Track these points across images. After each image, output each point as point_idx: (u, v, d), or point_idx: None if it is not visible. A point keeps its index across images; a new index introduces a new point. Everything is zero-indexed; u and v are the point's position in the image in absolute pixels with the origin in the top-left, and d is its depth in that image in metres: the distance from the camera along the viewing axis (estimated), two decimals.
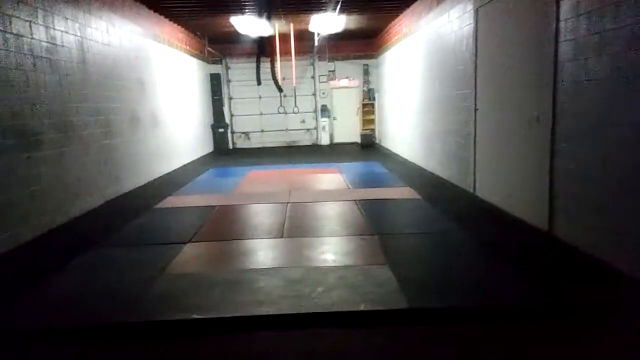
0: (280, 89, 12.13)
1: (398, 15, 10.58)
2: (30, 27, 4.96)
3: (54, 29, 5.41)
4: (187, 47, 11.62)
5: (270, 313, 2.90)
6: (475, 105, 6.07)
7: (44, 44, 5.21)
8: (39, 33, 5.12)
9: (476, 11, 5.90)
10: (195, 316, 2.87)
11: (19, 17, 4.76)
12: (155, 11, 9.13)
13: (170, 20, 10.14)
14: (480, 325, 2.76)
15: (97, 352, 2.63)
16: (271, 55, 11.21)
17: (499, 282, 3.33)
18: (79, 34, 6.02)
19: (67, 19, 5.73)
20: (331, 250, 4.12)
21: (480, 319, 2.85)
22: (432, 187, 7.08)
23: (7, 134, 4.51)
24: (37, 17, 5.08)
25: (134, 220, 5.44)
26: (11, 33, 4.63)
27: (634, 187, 3.24)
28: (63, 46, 5.61)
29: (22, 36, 4.80)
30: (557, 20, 4.10)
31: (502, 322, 2.80)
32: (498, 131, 5.46)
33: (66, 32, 5.70)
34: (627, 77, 3.28)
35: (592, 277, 3.43)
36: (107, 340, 2.74)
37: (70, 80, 5.75)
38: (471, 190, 6.32)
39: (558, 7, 4.09)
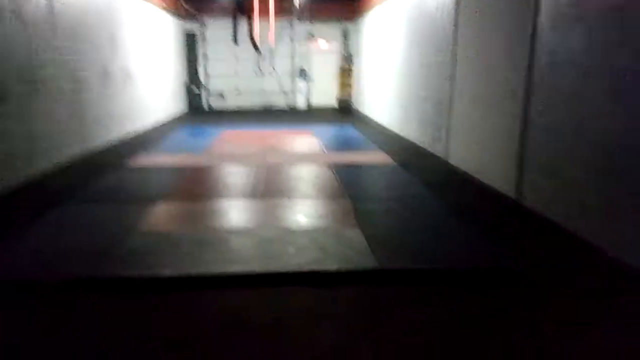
0: (257, 50, 11.85)
1: None
2: None
3: None
4: (162, 3, 11.17)
5: (241, 271, 2.94)
6: (453, 73, 6.08)
7: None
8: None
9: None
10: (167, 273, 2.89)
11: None
12: None
13: None
14: (446, 286, 2.87)
15: (66, 306, 2.62)
16: (249, 14, 10.88)
17: (464, 246, 3.45)
18: None
19: None
20: (304, 212, 4.16)
21: (446, 280, 2.95)
22: (406, 153, 7.15)
23: None
24: None
25: (104, 177, 5.35)
26: None
27: (603, 162, 3.35)
28: None
29: None
30: None
31: (463, 283, 2.91)
32: (473, 100, 5.52)
33: None
34: (603, 49, 3.33)
35: (554, 244, 3.58)
36: (77, 294, 2.74)
37: (37, 32, 5.48)
38: (444, 157, 6.41)
39: None
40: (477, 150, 5.43)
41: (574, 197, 3.64)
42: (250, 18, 10.90)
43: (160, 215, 4.07)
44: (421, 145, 7.53)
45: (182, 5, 12.46)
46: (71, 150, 6.28)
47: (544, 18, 4.02)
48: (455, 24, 5.96)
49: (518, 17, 4.43)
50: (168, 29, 11.93)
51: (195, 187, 5.10)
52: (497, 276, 3.02)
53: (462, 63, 5.83)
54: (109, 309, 2.61)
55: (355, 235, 3.54)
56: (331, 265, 3.03)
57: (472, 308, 2.64)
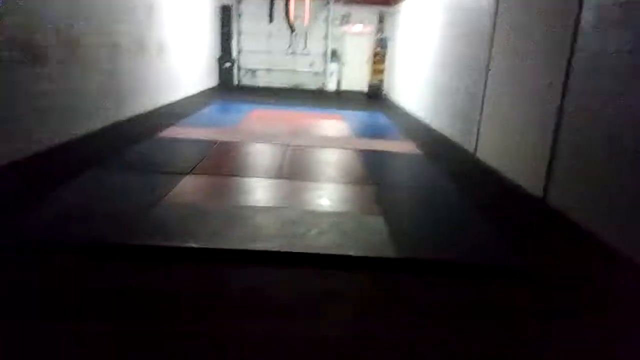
0: (292, 29, 11.79)
1: None
2: None
3: None
4: None
5: (264, 249, 3.01)
6: (489, 65, 5.96)
7: None
8: None
9: None
10: (192, 244, 2.97)
11: None
12: None
13: None
14: (460, 280, 2.88)
15: (94, 269, 2.74)
16: None
17: (485, 241, 3.43)
18: None
19: None
20: (328, 196, 4.19)
21: (461, 274, 2.96)
22: (434, 143, 7.08)
23: (13, 47, 4.44)
24: None
25: (136, 146, 5.48)
26: None
27: (637, 167, 3.27)
28: None
29: None
30: None
31: (480, 278, 2.91)
32: (507, 94, 5.41)
33: None
34: None
35: (577, 245, 3.53)
36: (105, 259, 2.85)
37: (79, 0, 5.59)
38: (472, 151, 6.33)
39: None
40: (506, 147, 5.34)
41: (602, 200, 3.57)
42: None
43: (188, 187, 4.16)
44: (450, 137, 7.44)
45: None
46: (105, 117, 6.44)
47: (587, 16, 3.90)
48: (495, 16, 5.81)
49: (560, 14, 4.29)
50: (204, 3, 11.95)
51: (223, 162, 5.18)
52: (514, 273, 3.01)
53: (499, 56, 5.70)
54: (134, 276, 2.71)
55: (377, 222, 3.56)
56: (352, 250, 3.06)
57: (485, 302, 2.65)
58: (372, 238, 3.28)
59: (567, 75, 4.14)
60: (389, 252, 3.08)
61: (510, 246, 3.37)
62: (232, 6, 13.91)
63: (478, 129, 6.20)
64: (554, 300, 2.73)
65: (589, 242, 3.56)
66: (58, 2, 5.15)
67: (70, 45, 5.45)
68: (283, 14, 11.56)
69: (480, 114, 6.15)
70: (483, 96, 6.08)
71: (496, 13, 5.80)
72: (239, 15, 14.23)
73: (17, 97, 4.54)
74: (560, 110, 4.23)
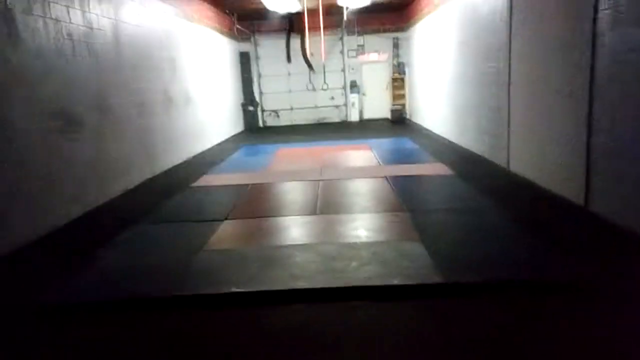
0: (310, 67, 12.06)
1: None
2: (68, 11, 5.10)
3: (90, 12, 5.55)
4: (217, 25, 11.66)
5: (306, 287, 3.00)
6: (509, 78, 5.92)
7: (82, 28, 5.35)
8: (76, 17, 5.26)
9: None
10: (235, 289, 3.00)
11: (56, 2, 4.89)
12: None
13: None
14: (511, 299, 2.78)
15: (144, 323, 2.79)
16: (301, 32, 11.11)
17: (529, 257, 3.32)
18: (113, 16, 6.14)
19: (101, 2, 5.84)
20: (364, 227, 4.18)
21: (511, 292, 2.86)
22: (464, 162, 7.00)
23: (51, 117, 4.71)
24: (74, 2, 5.21)
25: (171, 198, 5.63)
26: (51, 18, 4.78)
27: None
28: (99, 30, 5.75)
29: (60, 21, 4.95)
30: None
31: (533, 296, 2.81)
32: (533, 105, 5.33)
33: (101, 16, 5.82)
34: None
35: (628, 254, 3.38)
36: (153, 312, 2.90)
37: (107, 63, 5.91)
38: (505, 165, 6.22)
39: None
40: (540, 157, 5.23)
41: None
42: (302, 35, 11.12)
43: (225, 233, 4.23)
44: (480, 153, 7.35)
45: (235, 26, 12.94)
46: (139, 173, 6.67)
47: (603, 18, 3.85)
48: (510, 28, 5.81)
49: (576, 19, 4.26)
50: (224, 51, 12.42)
51: (256, 204, 5.25)
52: (566, 288, 2.89)
53: (519, 68, 5.66)
54: (183, 326, 2.74)
55: (416, 248, 3.52)
56: (395, 280, 3.02)
57: (541, 320, 2.54)
58: (413, 265, 3.23)
59: (591, 79, 4.07)
60: (433, 277, 3.03)
61: (558, 259, 3.25)
62: (250, 51, 14.39)
63: (508, 142, 6.11)
64: (614, 314, 2.60)
65: (636, 245, 3.41)
66: (88, 70, 5.45)
67: (102, 109, 5.73)
68: (301, 53, 11.84)
69: (508, 127, 6.07)
70: (509, 109, 6.02)
71: (511, 25, 5.80)
72: (258, 60, 14.69)
73: (55, 164, 4.77)
74: (590, 113, 4.13)
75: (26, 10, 4.42)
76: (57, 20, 4.88)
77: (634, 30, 3.51)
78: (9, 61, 4.17)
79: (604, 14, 3.86)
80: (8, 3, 4.17)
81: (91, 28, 5.56)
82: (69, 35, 5.09)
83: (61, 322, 2.84)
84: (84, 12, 5.41)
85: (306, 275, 3.18)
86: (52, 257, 3.92)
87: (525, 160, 5.66)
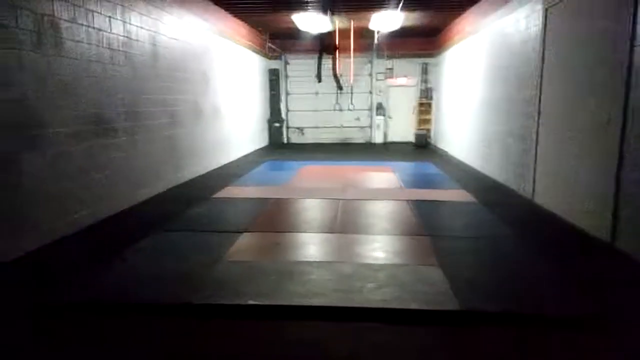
0: (340, 87, 12.20)
1: (461, 14, 10.37)
2: (110, 22, 5.32)
3: (130, 24, 5.77)
4: (249, 43, 11.94)
5: (322, 304, 3.00)
6: (539, 108, 5.88)
7: (121, 38, 5.57)
8: (117, 28, 5.48)
9: (545, 11, 5.71)
10: (251, 302, 3.02)
11: (100, 13, 5.11)
12: (221, 7, 9.47)
13: (234, 16, 10.48)
14: (528, 332, 2.73)
15: (161, 327, 2.83)
16: (331, 52, 11.28)
17: (551, 291, 3.26)
18: (151, 28, 6.37)
19: (141, 14, 6.08)
20: (382, 248, 4.16)
21: (529, 325, 2.81)
22: (488, 190, 6.93)
23: (88, 122, 4.88)
24: (116, 12, 5.44)
25: (195, 207, 5.72)
26: (93, 27, 4.99)
27: None
28: (137, 40, 5.97)
29: (102, 31, 5.16)
30: (634, 22, 3.91)
31: (550, 330, 2.75)
32: (562, 136, 5.28)
33: (140, 27, 6.05)
34: None
35: None
36: (171, 317, 2.94)
37: (142, 73, 6.11)
38: (529, 196, 6.14)
39: (636, 9, 3.90)
40: (566, 189, 5.14)
41: None
42: (333, 55, 11.28)
43: (245, 245, 4.27)
44: (504, 183, 7.27)
45: (267, 44, 13.21)
46: (166, 181, 6.81)
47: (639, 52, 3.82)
48: (542, 59, 5.79)
49: (612, 48, 4.24)
50: (254, 67, 12.68)
51: (277, 219, 5.29)
52: (582, 324, 2.81)
53: (549, 98, 5.63)
54: (199, 334, 2.77)
55: (435, 274, 3.49)
56: (411, 303, 3.00)
57: (553, 355, 2.48)
58: (430, 290, 3.20)
59: (624, 111, 4.02)
60: (449, 304, 2.99)
61: (579, 294, 3.18)
62: (279, 69, 14.66)
63: (534, 174, 6.04)
64: (628, 349, 2.53)
65: None
66: (124, 79, 5.65)
67: (135, 116, 5.91)
68: (331, 72, 11.98)
69: (535, 157, 6.00)
70: (536, 139, 5.96)
71: (543, 55, 5.79)
72: (287, 77, 14.93)
73: (90, 167, 4.93)
74: (621, 147, 4.07)
75: (71, 19, 4.63)
76: (99, 30, 5.09)
77: None
78: (54, 67, 4.36)
79: None
80: (55, 12, 4.39)
81: (130, 38, 5.77)
82: (109, 44, 5.30)
83: (74, 320, 2.90)
84: (124, 23, 5.63)
85: (322, 292, 3.18)
86: (73, 257, 4.02)
87: (550, 192, 5.57)
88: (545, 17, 5.71)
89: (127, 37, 5.70)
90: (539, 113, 5.88)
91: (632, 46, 3.94)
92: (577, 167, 4.91)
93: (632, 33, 3.93)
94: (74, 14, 4.67)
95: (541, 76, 5.83)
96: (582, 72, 4.82)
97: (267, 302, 3.03)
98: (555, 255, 4.00)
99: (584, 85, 4.79)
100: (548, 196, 5.63)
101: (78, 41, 4.73)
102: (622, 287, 3.40)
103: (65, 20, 4.53)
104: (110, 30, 5.33)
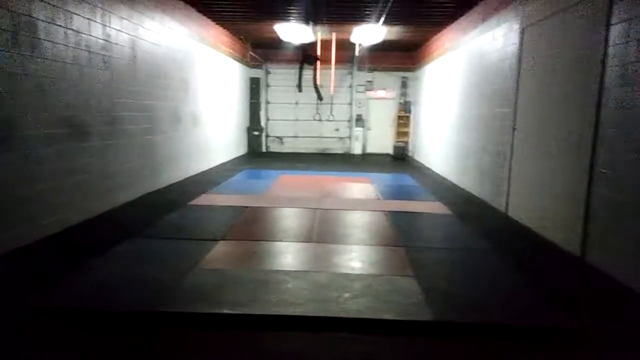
0: (320, 97, 12.27)
1: (441, 30, 10.59)
2: (89, 24, 5.25)
3: (110, 27, 5.70)
4: (230, 51, 11.92)
5: (297, 314, 2.98)
6: (514, 124, 6.03)
7: (100, 41, 5.49)
8: (97, 31, 5.41)
9: (522, 31, 5.88)
10: (226, 311, 2.98)
11: (79, 15, 5.04)
12: (203, 14, 9.44)
13: (216, 23, 10.46)
14: (502, 343, 2.77)
15: (128, 336, 2.76)
16: (313, 63, 11.36)
17: (523, 303, 3.32)
18: (132, 33, 6.31)
19: (122, 18, 6.01)
20: (359, 258, 4.18)
21: (502, 336, 2.85)
22: (463, 203, 7.03)
23: (61, 124, 4.78)
24: (96, 15, 5.37)
25: (170, 214, 5.64)
26: (71, 29, 4.92)
27: None
28: (117, 44, 5.90)
29: (81, 33, 5.09)
30: (606, 44, 4.06)
31: (522, 341, 2.79)
32: (535, 152, 5.41)
33: (120, 31, 5.98)
34: None
35: (619, 305, 3.37)
36: (140, 326, 2.87)
37: (121, 77, 6.03)
38: (503, 210, 6.26)
39: (607, 33, 4.05)
40: (539, 205, 5.27)
41: None
42: (314, 66, 11.34)
43: (221, 253, 4.23)
44: (479, 196, 7.39)
45: (249, 53, 13.21)
46: (141, 186, 6.70)
47: (612, 72, 3.96)
48: (518, 75, 5.95)
49: (584, 69, 4.38)
50: (235, 76, 12.65)
51: (254, 227, 5.26)
52: (555, 335, 2.87)
53: (524, 115, 5.77)
54: (170, 343, 2.72)
55: (410, 285, 3.51)
56: (386, 314, 3.01)
57: None
58: (405, 301, 3.22)
59: (596, 130, 4.15)
60: (424, 315, 3.01)
61: (550, 306, 3.24)
62: (260, 78, 14.67)
63: (508, 188, 6.16)
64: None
65: (631, 299, 3.40)
66: (102, 82, 5.57)
67: (112, 121, 5.82)
68: (312, 82, 12.05)
69: (509, 172, 6.13)
70: (511, 154, 6.10)
71: (519, 73, 5.95)
72: (267, 86, 14.95)
73: (62, 171, 4.81)
74: (592, 164, 4.20)
75: (49, 19, 4.55)
76: (77, 32, 5.02)
77: (639, 87, 3.61)
78: (29, 67, 4.27)
79: (612, 70, 3.97)
80: (33, 12, 4.31)
81: (109, 42, 5.70)
82: (88, 47, 5.22)
83: (41, 326, 2.81)
84: (104, 26, 5.56)
85: (298, 302, 3.16)
86: (43, 263, 3.91)
87: (523, 207, 5.69)
88: (522, 37, 5.88)
89: (106, 40, 5.63)
90: (514, 129, 6.02)
91: (603, 67, 4.09)
92: (550, 182, 5.03)
93: (604, 54, 4.08)
94: (52, 14, 4.60)
95: (517, 93, 5.98)
96: (556, 91, 4.97)
97: (242, 312, 3.00)
98: (528, 268, 4.08)
99: (557, 104, 4.93)
100: (522, 210, 5.75)
101: (55, 42, 4.65)
102: (592, 299, 3.48)
103: (42, 20, 4.45)
104: (90, 32, 5.26)
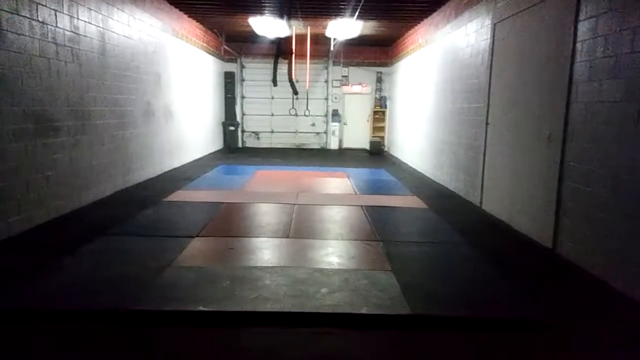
0: (295, 92, 12.22)
1: (415, 25, 10.65)
2: (55, 15, 5.07)
3: (77, 18, 5.53)
4: (204, 44, 11.74)
5: (274, 310, 2.96)
6: (487, 119, 6.12)
7: (68, 33, 5.32)
8: (63, 22, 5.23)
9: (493, 26, 5.95)
10: (202, 308, 2.94)
11: (45, 5, 4.87)
12: (175, 7, 9.26)
13: (189, 16, 10.27)
14: (478, 335, 2.81)
15: (103, 336, 2.69)
16: (288, 57, 11.29)
17: (498, 295, 3.38)
18: (100, 25, 6.13)
19: (90, 9, 5.83)
20: (336, 253, 4.17)
21: (478, 328, 2.89)
22: (438, 197, 7.11)
23: (27, 119, 4.62)
24: (62, 5, 5.19)
25: (143, 211, 5.53)
26: (37, 20, 4.74)
27: None
28: (85, 36, 5.72)
29: (47, 24, 4.91)
30: (574, 41, 4.15)
31: (498, 333, 2.84)
32: (508, 147, 5.51)
33: (89, 23, 5.80)
34: (637, 98, 3.32)
35: (591, 296, 3.47)
36: (114, 325, 2.80)
37: (90, 70, 5.86)
38: (478, 204, 6.35)
39: (576, 29, 4.13)
40: (512, 198, 5.37)
41: (612, 247, 3.54)
42: (289, 61, 11.28)
43: (196, 250, 4.16)
44: (454, 190, 7.49)
45: (223, 47, 13.04)
46: (113, 183, 6.55)
47: (580, 67, 4.05)
48: (490, 70, 6.03)
49: (554, 65, 4.47)
50: (209, 70, 12.47)
51: (230, 223, 5.20)
52: (529, 327, 2.93)
53: (497, 110, 5.86)
54: (146, 342, 2.66)
55: (387, 279, 3.53)
56: (364, 308, 3.01)
57: (504, 357, 2.57)
58: (383, 295, 3.23)
59: (565, 124, 4.24)
60: (402, 309, 3.03)
61: (524, 298, 3.31)
62: (235, 73, 14.51)
63: (482, 182, 6.26)
64: (573, 351, 2.65)
65: (604, 291, 3.50)
66: (71, 77, 5.39)
67: (81, 116, 5.65)
68: (287, 77, 11.99)
69: (483, 166, 6.23)
70: (484, 149, 6.19)
71: (491, 68, 6.03)
72: (242, 81, 14.80)
73: (29, 167, 4.65)
74: (562, 158, 4.29)
75: (13, 10, 4.37)
76: (43, 23, 4.84)
77: (607, 83, 3.70)
78: None
79: (580, 65, 4.06)
80: None
81: (77, 34, 5.53)
82: (54, 39, 5.05)
83: (10, 329, 2.71)
84: (71, 17, 5.39)
85: (275, 298, 3.14)
86: (11, 262, 3.78)
87: (497, 200, 5.79)
88: (494, 32, 5.96)
89: (74, 32, 5.45)
90: (487, 124, 6.12)
91: (572, 64, 4.18)
92: (522, 176, 5.13)
93: (572, 51, 4.16)
94: (16, 5, 4.42)
95: (489, 88, 6.07)
96: (527, 86, 5.05)
97: (219, 309, 2.96)
98: (502, 261, 4.15)
99: (528, 99, 5.02)
100: (495, 204, 5.85)
101: (20, 34, 4.48)
102: (562, 291, 3.57)
103: (6, 11, 4.27)
104: (56, 24, 5.08)
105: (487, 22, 6.17)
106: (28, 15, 4.60)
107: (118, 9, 6.64)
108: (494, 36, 5.97)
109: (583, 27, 4.04)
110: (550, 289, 3.57)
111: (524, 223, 5.04)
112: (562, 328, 2.91)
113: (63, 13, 5.21)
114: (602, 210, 3.70)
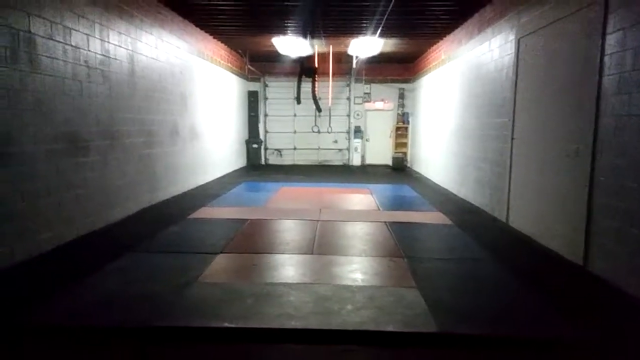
0: (319, 109, 12.32)
1: (437, 42, 10.66)
2: (88, 40, 5.27)
3: (108, 42, 5.73)
4: (229, 64, 11.98)
5: (299, 327, 2.95)
6: (513, 134, 6.03)
7: (99, 56, 5.52)
8: (95, 46, 5.43)
9: (518, 41, 5.91)
10: (227, 325, 2.95)
11: (78, 30, 5.07)
12: (201, 29, 9.51)
13: (214, 37, 10.52)
14: (507, 354, 2.73)
15: (129, 353, 2.72)
16: (311, 75, 11.42)
17: (528, 313, 3.29)
18: (130, 47, 6.34)
19: (120, 33, 6.05)
20: (360, 270, 4.14)
21: (507, 347, 2.81)
22: (463, 213, 7.01)
23: (58, 139, 4.77)
24: (94, 30, 5.40)
25: (169, 228, 5.61)
26: (70, 45, 4.94)
27: None
28: (115, 59, 5.92)
29: (79, 48, 5.11)
30: (602, 54, 4.08)
31: (528, 352, 2.76)
32: (535, 161, 5.41)
33: (119, 46, 6.01)
34: None
35: (626, 315, 3.34)
36: (141, 342, 2.83)
37: (119, 91, 6.05)
38: (504, 219, 6.24)
39: (603, 42, 4.07)
40: (540, 214, 5.25)
41: None
42: (313, 79, 11.40)
43: (221, 266, 4.19)
44: (479, 206, 7.38)
45: (247, 66, 13.29)
46: (139, 200, 6.68)
47: (609, 81, 3.98)
48: (515, 85, 5.98)
49: (581, 79, 4.40)
50: (233, 89, 12.70)
51: (254, 240, 5.23)
52: (561, 346, 2.84)
53: (522, 124, 5.79)
54: (169, 358, 2.68)
55: (413, 296, 3.48)
56: (390, 326, 2.97)
57: None
58: (409, 312, 3.18)
59: (595, 138, 4.15)
60: (428, 326, 2.98)
61: (554, 317, 3.21)
62: (259, 91, 14.75)
63: (508, 197, 6.15)
64: None
65: (638, 309, 3.38)
66: (101, 98, 5.57)
67: (110, 136, 5.82)
68: (311, 95, 12.13)
69: (509, 182, 6.13)
70: (510, 164, 6.10)
71: (516, 83, 5.97)
72: (266, 99, 15.01)
73: (60, 186, 4.79)
74: (592, 173, 4.19)
75: (48, 36, 4.57)
76: (76, 47, 5.04)
77: (636, 95, 3.62)
78: (28, 83, 4.27)
79: (609, 79, 3.99)
80: (32, 28, 4.32)
81: (108, 57, 5.73)
82: (86, 62, 5.24)
83: (39, 345, 2.77)
84: (102, 41, 5.59)
85: (300, 315, 3.13)
86: (40, 279, 3.87)
87: (524, 216, 5.67)
88: (518, 47, 5.92)
89: (105, 55, 5.65)
90: (513, 139, 6.03)
91: (600, 77, 4.11)
92: (550, 191, 5.02)
93: (600, 64, 4.10)
94: (51, 30, 4.62)
95: (514, 103, 6.00)
96: (553, 101, 4.98)
97: (243, 325, 2.96)
98: (531, 278, 4.05)
99: (555, 114, 4.94)
100: (522, 220, 5.73)
101: (54, 58, 4.67)
102: (595, 309, 3.45)
103: (41, 36, 4.47)
104: (88, 48, 5.28)
105: (511, 37, 6.13)
106: (62, 40, 4.79)
107: (146, 32, 6.86)
108: (518, 51, 5.92)
109: (611, 40, 3.98)
110: (582, 307, 3.46)
111: (552, 239, 4.92)
112: (596, 347, 2.81)
113: (95, 37, 5.41)
114: (636, 225, 3.59)
